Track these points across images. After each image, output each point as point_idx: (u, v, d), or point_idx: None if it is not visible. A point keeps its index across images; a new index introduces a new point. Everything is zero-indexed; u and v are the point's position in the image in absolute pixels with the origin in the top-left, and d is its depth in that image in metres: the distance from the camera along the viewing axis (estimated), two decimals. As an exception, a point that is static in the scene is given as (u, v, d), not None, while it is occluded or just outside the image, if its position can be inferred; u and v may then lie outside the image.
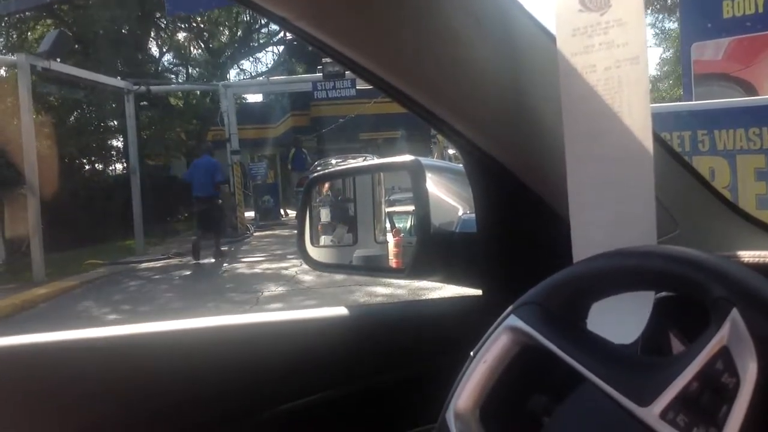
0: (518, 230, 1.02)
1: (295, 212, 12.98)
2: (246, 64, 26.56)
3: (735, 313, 0.51)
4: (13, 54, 12.37)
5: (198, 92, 19.53)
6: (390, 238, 1.71)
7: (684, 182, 0.93)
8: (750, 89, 5.01)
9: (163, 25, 20.54)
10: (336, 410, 1.07)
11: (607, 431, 0.60)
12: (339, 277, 7.09)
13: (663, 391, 0.51)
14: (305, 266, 1.60)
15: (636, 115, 0.74)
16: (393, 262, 1.66)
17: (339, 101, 16.58)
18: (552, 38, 0.80)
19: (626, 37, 0.74)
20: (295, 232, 1.58)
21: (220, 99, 15.15)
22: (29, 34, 17.60)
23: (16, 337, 0.96)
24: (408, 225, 1.61)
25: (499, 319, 0.67)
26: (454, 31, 0.79)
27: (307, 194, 1.59)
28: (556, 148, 0.80)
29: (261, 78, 21.14)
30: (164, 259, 11.34)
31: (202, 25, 21.58)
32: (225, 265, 10.46)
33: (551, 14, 0.79)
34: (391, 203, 1.86)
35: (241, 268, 10.21)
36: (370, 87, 0.91)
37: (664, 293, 0.71)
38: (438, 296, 1.39)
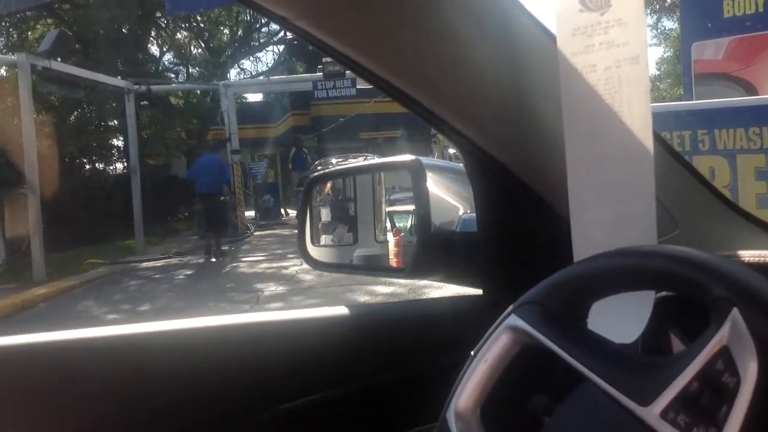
0: (519, 230, 1.02)
1: (295, 212, 13.00)
2: (246, 64, 26.63)
3: (735, 312, 0.51)
4: (13, 53, 12.38)
5: (198, 92, 19.54)
6: (390, 238, 1.71)
7: (684, 182, 0.93)
8: (750, 89, 5.01)
9: (163, 25, 20.55)
10: (336, 410, 1.07)
11: (607, 431, 0.60)
12: (339, 276, 7.09)
13: (663, 391, 0.51)
14: (305, 266, 1.61)
15: (636, 114, 0.74)
16: (393, 261, 1.66)
17: (339, 101, 16.58)
18: (552, 38, 0.80)
19: (626, 36, 0.74)
20: (296, 231, 1.58)
21: (220, 98, 15.16)
22: (29, 33, 17.60)
23: (16, 337, 0.96)
24: (408, 224, 1.61)
25: (499, 319, 0.67)
26: (455, 31, 0.79)
27: (308, 194, 1.59)
28: (556, 148, 0.80)
29: (261, 77, 21.15)
30: (164, 258, 11.35)
31: (202, 25, 21.58)
32: (225, 264, 10.47)
33: (551, 14, 0.79)
34: (392, 203, 1.86)
35: (241, 267, 10.21)
36: (371, 86, 0.91)
37: (664, 293, 0.71)
38: (438, 296, 1.39)
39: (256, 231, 14.79)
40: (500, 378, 0.65)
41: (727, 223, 0.94)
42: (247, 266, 10.22)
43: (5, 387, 0.91)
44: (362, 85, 13.03)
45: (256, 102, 23.70)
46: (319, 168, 13.06)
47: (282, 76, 18.83)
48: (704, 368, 0.51)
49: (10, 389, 0.92)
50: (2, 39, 17.53)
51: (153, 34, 20.43)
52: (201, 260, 10.84)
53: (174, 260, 11.18)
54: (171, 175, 17.82)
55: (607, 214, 0.77)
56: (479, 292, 1.14)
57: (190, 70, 22.17)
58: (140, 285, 9.39)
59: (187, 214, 16.28)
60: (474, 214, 1.10)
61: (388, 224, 1.79)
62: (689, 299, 0.56)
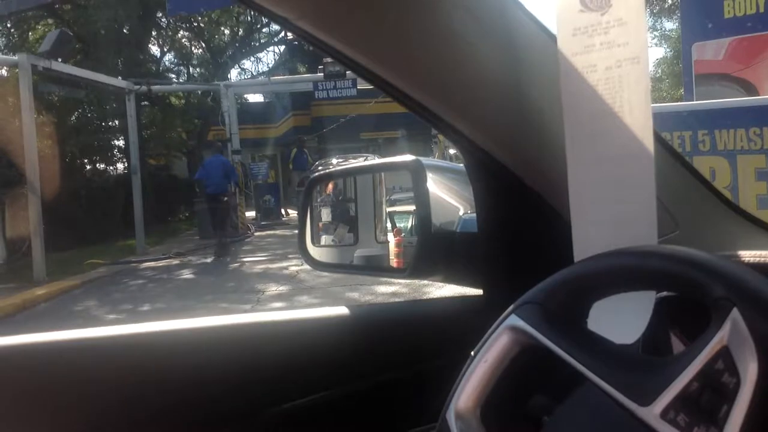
0: (519, 230, 1.02)
1: (296, 212, 13.00)
2: (247, 64, 26.69)
3: (735, 312, 0.51)
4: (14, 54, 12.38)
5: (199, 92, 19.53)
6: (391, 238, 1.71)
7: (685, 182, 0.93)
8: (751, 89, 5.01)
9: (164, 25, 20.55)
10: (336, 410, 1.07)
11: (607, 431, 0.60)
12: (340, 276, 7.09)
13: (663, 391, 0.51)
14: (306, 266, 1.61)
15: (637, 114, 0.74)
16: (394, 261, 1.66)
17: (340, 101, 16.61)
18: (553, 38, 0.80)
19: (627, 36, 0.74)
20: (296, 231, 1.58)
21: (221, 99, 15.15)
22: (30, 33, 17.61)
23: (16, 337, 0.96)
24: (409, 225, 1.61)
25: (499, 319, 0.67)
26: (456, 32, 0.79)
27: (308, 194, 1.59)
28: (556, 148, 0.80)
29: (262, 78, 21.13)
30: (165, 258, 11.35)
31: (203, 25, 21.57)
32: (226, 264, 10.47)
33: (552, 14, 0.79)
34: (392, 203, 1.87)
35: (242, 267, 10.22)
36: (371, 87, 0.91)
37: (665, 293, 0.71)
38: (439, 296, 1.39)
39: (256, 231, 14.80)
40: (500, 378, 0.65)
41: (727, 223, 0.94)
42: (248, 266, 10.22)
43: (5, 387, 0.91)
44: (363, 85, 13.04)
45: (256, 102, 23.70)
46: (319, 168, 13.07)
47: (283, 77, 18.84)
48: (704, 368, 0.51)
49: (11, 389, 0.92)
50: (3, 39, 17.54)
51: (154, 34, 20.43)
52: (208, 260, 10.92)
53: (175, 260, 11.18)
54: (171, 175, 17.83)
55: (607, 214, 0.77)
56: (480, 292, 1.14)
57: (191, 70, 22.16)
58: (141, 285, 9.39)
59: (187, 214, 16.28)
60: (474, 215, 1.10)
61: (389, 224, 1.80)
62: (689, 299, 0.56)
